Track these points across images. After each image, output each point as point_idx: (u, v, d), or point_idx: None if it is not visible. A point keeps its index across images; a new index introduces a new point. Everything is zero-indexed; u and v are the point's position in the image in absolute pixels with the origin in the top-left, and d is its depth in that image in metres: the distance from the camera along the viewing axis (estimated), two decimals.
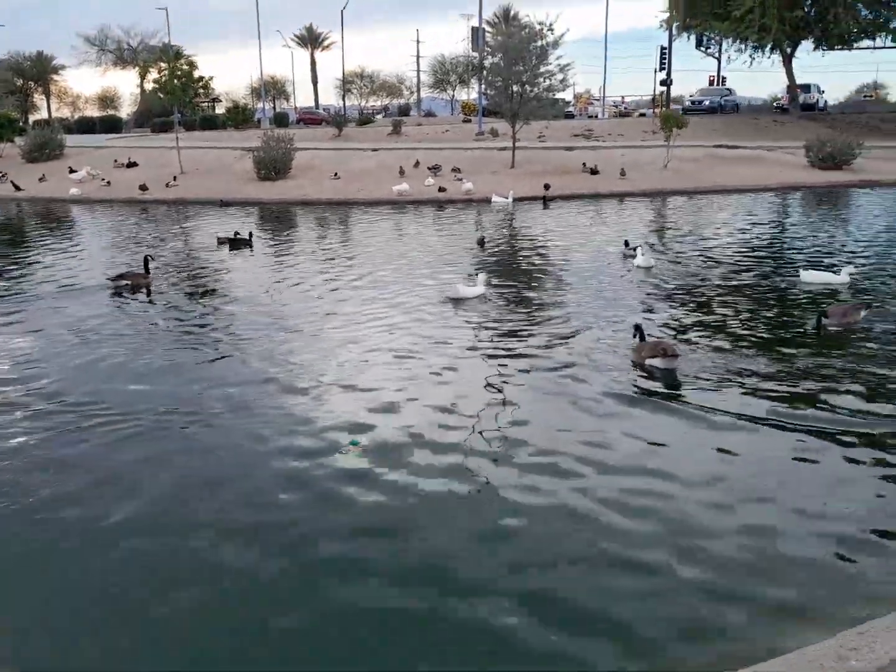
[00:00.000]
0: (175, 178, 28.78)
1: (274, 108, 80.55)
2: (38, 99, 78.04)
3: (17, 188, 29.25)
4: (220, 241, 16.66)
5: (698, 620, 4.09)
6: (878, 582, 4.36)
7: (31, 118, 67.68)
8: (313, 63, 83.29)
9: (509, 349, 8.65)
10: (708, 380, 7.45)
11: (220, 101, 68.98)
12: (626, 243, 14.35)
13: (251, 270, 14.02)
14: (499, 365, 8.11)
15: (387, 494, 5.46)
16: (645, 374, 7.65)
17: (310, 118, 62.62)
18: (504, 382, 7.59)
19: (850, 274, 11.56)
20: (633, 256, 13.33)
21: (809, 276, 11.86)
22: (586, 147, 33.59)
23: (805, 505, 5.16)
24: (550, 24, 27.98)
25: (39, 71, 74.18)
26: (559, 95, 35.34)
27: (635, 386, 7.41)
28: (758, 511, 5.14)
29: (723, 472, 5.65)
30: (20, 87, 71.51)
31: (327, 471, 5.82)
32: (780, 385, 7.27)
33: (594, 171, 27.63)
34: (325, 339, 9.24)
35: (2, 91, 62.90)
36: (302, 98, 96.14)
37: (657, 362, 7.76)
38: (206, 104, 61.61)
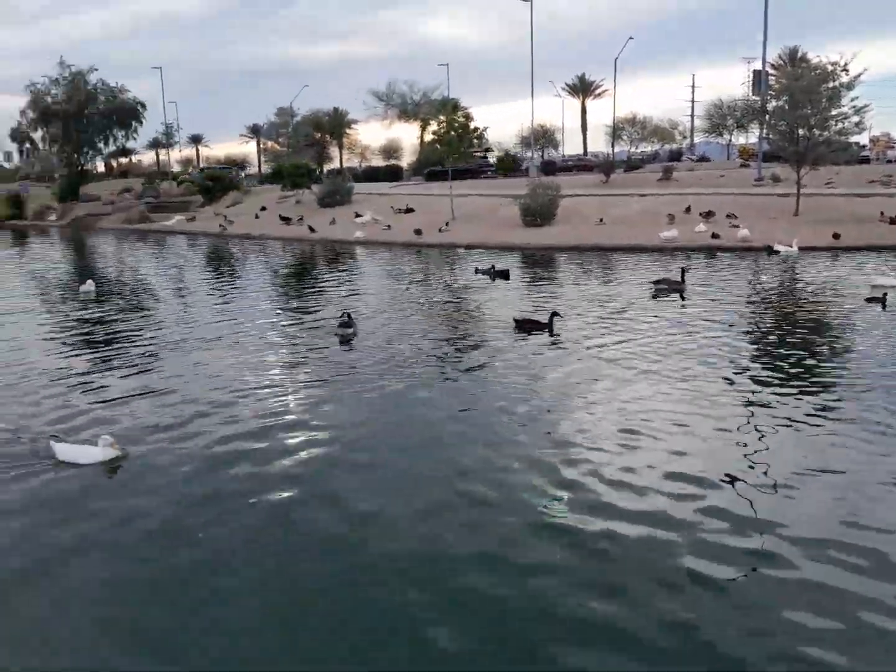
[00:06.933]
0: (447, 224, 30.19)
1: (542, 155, 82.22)
2: (332, 150, 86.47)
3: (312, 230, 32.48)
4: (478, 272, 19.10)
5: None
6: None
7: (326, 167, 75.32)
8: (584, 111, 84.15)
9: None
10: None
11: (492, 150, 71.73)
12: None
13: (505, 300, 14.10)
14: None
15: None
16: None
17: (581, 164, 63.09)
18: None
19: None
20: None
21: None
22: (884, 194, 30.20)
23: None
24: (845, 64, 25.78)
25: (334, 125, 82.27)
26: (853, 139, 32.41)
27: None
28: None
29: None
30: (318, 140, 79.70)
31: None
32: None
33: (894, 221, 24.64)
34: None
35: (303, 143, 70.38)
36: (570, 146, 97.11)
37: None
38: (479, 154, 64.28)
